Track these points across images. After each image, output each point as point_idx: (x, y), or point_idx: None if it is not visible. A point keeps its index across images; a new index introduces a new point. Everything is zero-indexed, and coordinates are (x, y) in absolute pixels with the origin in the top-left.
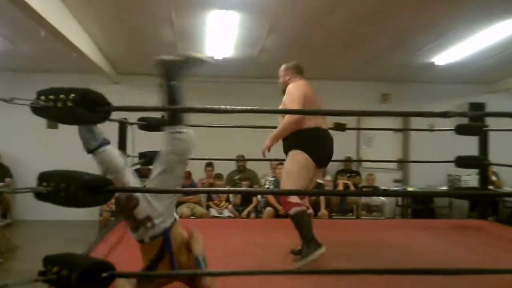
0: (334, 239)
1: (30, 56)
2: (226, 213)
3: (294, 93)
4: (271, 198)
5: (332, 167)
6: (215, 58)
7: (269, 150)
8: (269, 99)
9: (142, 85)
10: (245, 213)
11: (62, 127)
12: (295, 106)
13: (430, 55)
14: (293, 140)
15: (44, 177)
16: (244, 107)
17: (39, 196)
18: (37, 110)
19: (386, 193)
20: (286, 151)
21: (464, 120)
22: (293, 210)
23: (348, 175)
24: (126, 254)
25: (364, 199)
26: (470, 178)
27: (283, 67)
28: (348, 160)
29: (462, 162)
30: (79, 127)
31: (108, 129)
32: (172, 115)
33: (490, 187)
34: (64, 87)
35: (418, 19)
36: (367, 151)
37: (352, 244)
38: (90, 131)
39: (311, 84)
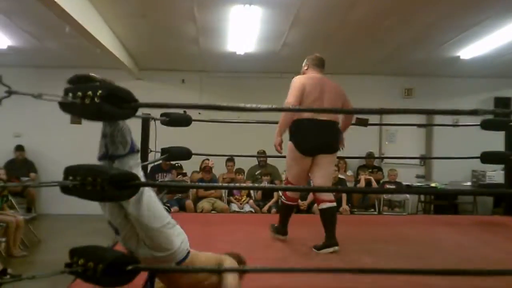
0: (357, 235)
1: (55, 53)
2: (247, 208)
3: (292, 85)
4: None
5: (354, 162)
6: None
7: (280, 145)
8: None
9: (164, 80)
10: (266, 208)
11: (85, 123)
12: (289, 98)
13: (456, 49)
14: (289, 131)
15: (70, 171)
16: (269, 106)
17: (66, 190)
18: (65, 106)
19: (407, 190)
20: None
21: (490, 115)
22: (324, 205)
23: (370, 170)
24: None
25: (386, 195)
26: (495, 174)
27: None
28: (369, 157)
29: (488, 157)
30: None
31: (131, 126)
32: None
33: None
34: (92, 84)
35: (443, 12)
36: (390, 146)
37: (375, 240)
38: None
39: (332, 78)
